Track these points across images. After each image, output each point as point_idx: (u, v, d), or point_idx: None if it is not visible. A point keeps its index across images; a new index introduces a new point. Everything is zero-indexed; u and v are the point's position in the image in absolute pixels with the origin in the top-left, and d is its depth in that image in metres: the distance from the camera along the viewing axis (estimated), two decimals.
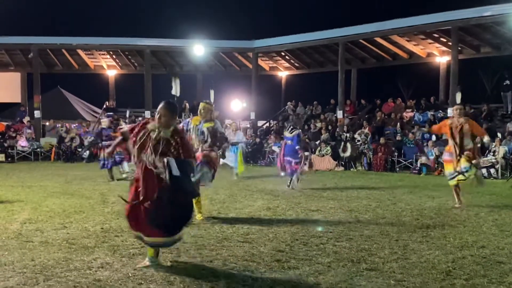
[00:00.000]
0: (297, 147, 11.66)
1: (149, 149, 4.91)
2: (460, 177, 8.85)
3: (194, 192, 5.32)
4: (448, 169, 9.12)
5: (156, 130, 4.98)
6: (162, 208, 4.78)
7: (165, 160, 4.82)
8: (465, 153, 8.79)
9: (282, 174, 11.94)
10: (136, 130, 5.08)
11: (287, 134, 12.07)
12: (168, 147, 4.93)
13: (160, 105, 5.06)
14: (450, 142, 9.09)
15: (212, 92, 7.12)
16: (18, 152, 21.44)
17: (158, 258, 5.09)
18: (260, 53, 25.26)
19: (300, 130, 12.60)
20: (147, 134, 4.99)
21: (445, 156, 9.34)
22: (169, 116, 5.00)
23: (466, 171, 8.77)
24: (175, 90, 5.27)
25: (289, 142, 11.84)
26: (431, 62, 24.33)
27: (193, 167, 5.24)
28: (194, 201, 6.97)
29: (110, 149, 5.51)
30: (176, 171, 4.76)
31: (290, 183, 11.66)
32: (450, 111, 18.53)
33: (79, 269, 4.89)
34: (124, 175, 13.19)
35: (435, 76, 23.85)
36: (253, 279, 4.66)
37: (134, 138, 5.05)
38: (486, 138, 9.79)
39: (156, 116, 5.04)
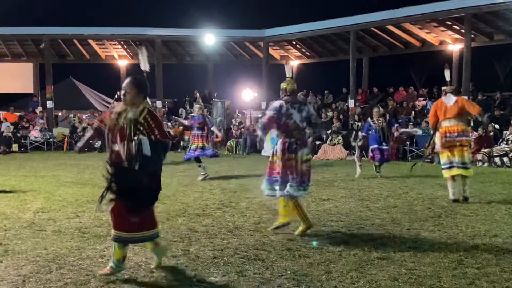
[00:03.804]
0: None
1: (117, 136, 4.39)
2: (455, 170, 8.21)
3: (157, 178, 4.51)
4: (442, 156, 8.37)
5: (123, 111, 4.42)
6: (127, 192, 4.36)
7: (137, 138, 4.26)
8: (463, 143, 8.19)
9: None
10: (107, 117, 4.56)
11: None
12: (137, 129, 4.33)
13: (125, 81, 4.49)
14: (444, 123, 8.31)
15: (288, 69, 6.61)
16: (31, 142, 21.61)
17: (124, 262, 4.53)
18: (271, 42, 25.15)
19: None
20: (116, 119, 4.45)
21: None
22: (134, 92, 4.42)
23: (464, 167, 8.19)
24: (143, 64, 4.55)
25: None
26: (443, 50, 24.06)
27: (167, 149, 4.50)
28: (282, 203, 5.99)
29: (80, 144, 5.06)
30: (147, 151, 4.23)
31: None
32: None
33: (92, 257, 4.94)
34: None
35: (447, 64, 23.61)
36: (264, 267, 4.67)
37: (106, 127, 4.52)
38: (484, 117, 8.97)
39: (122, 95, 4.53)
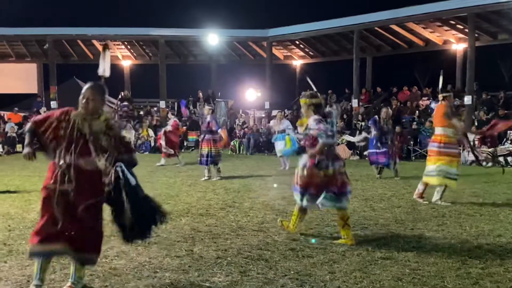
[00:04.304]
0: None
1: (78, 148, 3.97)
2: (436, 180, 8.00)
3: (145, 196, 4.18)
4: (430, 163, 8.12)
5: (83, 120, 4.02)
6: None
7: (117, 169, 3.99)
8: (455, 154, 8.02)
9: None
10: (53, 123, 4.05)
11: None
12: (102, 143, 4.04)
13: (86, 87, 4.10)
14: (441, 131, 8.06)
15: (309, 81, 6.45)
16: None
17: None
18: (274, 42, 25.16)
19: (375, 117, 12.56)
20: (72, 127, 4.00)
21: (432, 147, 8.20)
22: (98, 99, 4.08)
23: (454, 178, 7.96)
24: (103, 68, 4.15)
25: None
26: (447, 50, 24.03)
27: (136, 164, 4.21)
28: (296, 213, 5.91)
29: (27, 150, 4.15)
30: (132, 180, 4.02)
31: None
32: (466, 99, 18.37)
33: None
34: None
35: (451, 64, 23.57)
36: (268, 267, 4.67)
37: (49, 132, 4.06)
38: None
39: (81, 101, 4.06)
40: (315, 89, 6.06)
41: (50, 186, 3.97)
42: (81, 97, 4.06)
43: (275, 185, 10.11)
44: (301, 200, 5.75)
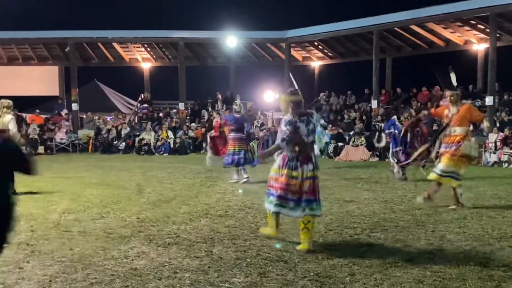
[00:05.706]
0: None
1: None
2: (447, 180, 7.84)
3: None
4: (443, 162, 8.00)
5: None
6: None
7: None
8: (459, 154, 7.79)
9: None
10: None
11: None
12: None
13: None
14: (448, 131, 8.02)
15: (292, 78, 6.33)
16: (56, 144, 21.94)
17: None
18: (292, 43, 25.11)
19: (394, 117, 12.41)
20: None
21: (441, 148, 8.25)
22: None
23: (456, 178, 7.80)
24: None
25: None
26: (468, 50, 23.72)
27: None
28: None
29: None
30: None
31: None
32: (488, 100, 18.13)
33: (116, 258, 5.00)
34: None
35: (472, 64, 23.28)
36: (287, 269, 4.67)
37: None
38: (485, 124, 8.07)
39: None
40: (296, 87, 5.95)
41: None
42: None
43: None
44: (276, 204, 5.47)
